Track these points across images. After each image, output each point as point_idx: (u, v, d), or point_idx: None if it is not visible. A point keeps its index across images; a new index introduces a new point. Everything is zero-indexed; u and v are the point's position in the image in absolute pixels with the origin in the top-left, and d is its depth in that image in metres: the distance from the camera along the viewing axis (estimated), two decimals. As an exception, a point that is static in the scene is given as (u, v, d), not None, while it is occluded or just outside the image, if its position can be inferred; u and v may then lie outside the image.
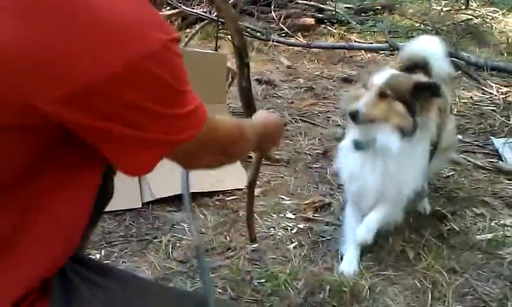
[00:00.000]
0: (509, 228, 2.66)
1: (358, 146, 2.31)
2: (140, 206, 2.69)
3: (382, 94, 2.20)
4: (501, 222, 2.72)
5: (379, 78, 2.26)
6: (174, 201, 2.72)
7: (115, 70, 0.83)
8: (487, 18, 6.82)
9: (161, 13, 5.84)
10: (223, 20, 5.29)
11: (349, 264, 2.33)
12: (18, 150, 0.90)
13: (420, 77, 2.41)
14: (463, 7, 7.18)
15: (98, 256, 2.35)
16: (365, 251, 2.40)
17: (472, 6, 7.28)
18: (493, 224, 2.69)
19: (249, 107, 2.79)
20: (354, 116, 2.19)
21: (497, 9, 7.14)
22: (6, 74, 0.82)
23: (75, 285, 1.05)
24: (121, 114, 0.88)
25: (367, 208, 2.39)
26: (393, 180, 2.30)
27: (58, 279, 1.03)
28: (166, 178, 2.81)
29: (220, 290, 2.15)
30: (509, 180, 3.14)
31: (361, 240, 2.33)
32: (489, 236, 2.58)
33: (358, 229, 2.35)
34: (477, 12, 7.03)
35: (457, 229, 2.63)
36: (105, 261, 2.29)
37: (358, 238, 2.33)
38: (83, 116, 0.86)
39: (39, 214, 0.96)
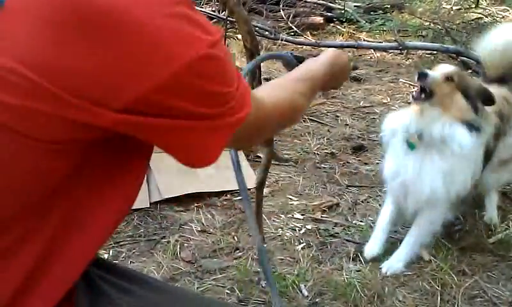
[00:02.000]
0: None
1: (410, 145, 2.26)
2: (148, 206, 2.69)
3: (448, 78, 2.20)
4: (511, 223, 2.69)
5: (448, 67, 2.29)
6: (182, 201, 2.72)
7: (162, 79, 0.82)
8: (497, 17, 6.77)
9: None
10: (231, 19, 5.30)
11: (371, 247, 2.38)
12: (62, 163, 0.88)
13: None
14: (473, 6, 7.11)
15: (106, 256, 2.35)
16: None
17: (482, 4, 7.22)
18: (503, 225, 2.67)
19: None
20: (422, 75, 2.16)
21: (508, 8, 7.08)
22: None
23: (100, 288, 1.05)
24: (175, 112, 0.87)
25: (409, 211, 2.36)
26: (444, 181, 2.23)
27: (82, 281, 1.02)
28: (174, 178, 2.82)
29: (228, 291, 2.14)
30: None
31: (389, 273, 2.29)
32: (500, 237, 2.55)
33: (386, 263, 2.32)
34: (487, 11, 6.97)
35: (467, 230, 2.61)
36: (114, 261, 2.29)
37: (384, 271, 2.29)
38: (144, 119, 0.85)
39: (81, 220, 0.93)
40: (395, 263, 2.31)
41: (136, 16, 0.80)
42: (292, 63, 1.53)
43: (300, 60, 1.47)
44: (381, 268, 2.31)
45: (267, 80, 4.54)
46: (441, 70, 2.24)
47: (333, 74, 1.33)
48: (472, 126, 2.18)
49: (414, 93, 2.23)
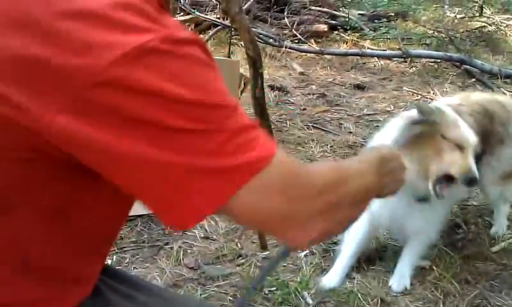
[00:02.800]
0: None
1: (423, 198, 2.14)
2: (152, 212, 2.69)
3: (461, 147, 2.02)
4: (515, 232, 2.70)
5: (469, 133, 2.06)
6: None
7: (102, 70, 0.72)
8: (501, 26, 6.78)
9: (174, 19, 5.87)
10: (235, 27, 5.32)
11: (330, 277, 2.27)
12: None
13: None
14: (477, 14, 7.13)
15: (109, 262, 2.35)
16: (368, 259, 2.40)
17: (485, 13, 7.24)
18: (506, 233, 2.67)
19: (262, 116, 2.78)
20: (474, 182, 2.03)
21: (511, 17, 7.10)
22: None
23: (102, 293, 1.06)
24: (135, 130, 0.74)
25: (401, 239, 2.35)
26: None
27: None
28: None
29: (230, 298, 2.15)
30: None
31: (400, 290, 2.25)
32: (503, 246, 2.55)
33: (392, 280, 2.28)
34: (491, 19, 6.98)
35: (470, 239, 2.61)
36: (117, 267, 2.29)
37: (395, 289, 2.25)
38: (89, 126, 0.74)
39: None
40: (402, 280, 2.28)
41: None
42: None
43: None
44: (385, 278, 2.30)
45: (271, 87, 4.57)
46: (470, 147, 2.03)
47: (386, 167, 1.05)
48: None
49: (439, 190, 2.02)
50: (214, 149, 0.76)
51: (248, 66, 4.82)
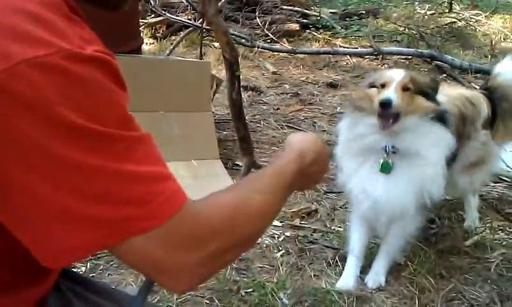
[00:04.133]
0: (496, 231, 2.68)
1: (385, 167, 2.14)
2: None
3: (405, 88, 2.11)
4: (487, 225, 2.73)
5: (397, 74, 2.16)
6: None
7: None
8: (470, 21, 6.88)
9: (145, 21, 5.83)
10: (208, 28, 5.30)
11: (346, 279, 2.28)
12: None
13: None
14: (447, 10, 7.23)
15: (83, 269, 2.32)
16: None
17: (455, 9, 7.34)
18: (479, 227, 2.70)
19: (239, 119, 2.78)
20: (386, 105, 2.03)
21: (480, 12, 7.21)
22: None
23: (70, 301, 1.05)
24: (16, 154, 0.68)
25: (382, 227, 2.30)
26: (417, 193, 2.18)
27: (53, 295, 1.02)
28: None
29: (207, 301, 2.13)
30: (495, 182, 3.16)
31: (375, 286, 2.26)
32: (476, 240, 2.58)
33: (368, 277, 2.29)
34: (460, 15, 7.08)
35: (444, 233, 2.64)
36: (91, 274, 2.26)
37: (370, 285, 2.26)
38: None
39: None
40: (377, 277, 2.29)
41: None
42: None
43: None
44: (362, 278, 2.31)
45: (244, 88, 4.56)
46: (395, 82, 2.11)
47: (305, 161, 1.06)
48: (441, 118, 2.14)
49: (381, 123, 2.08)
50: (101, 193, 0.71)
51: (220, 67, 4.84)
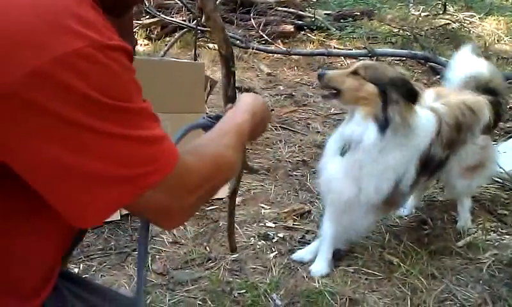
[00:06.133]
0: (489, 232, 2.69)
1: (341, 150, 2.26)
2: (119, 218, 2.67)
3: (355, 72, 2.20)
4: (480, 226, 2.74)
5: (360, 62, 2.30)
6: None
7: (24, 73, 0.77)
8: (464, 23, 6.90)
9: (140, 22, 5.82)
10: (202, 29, 5.31)
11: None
12: None
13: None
14: (441, 12, 7.25)
15: (76, 270, 2.32)
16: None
17: (449, 11, 7.36)
18: (472, 228, 2.71)
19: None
20: (319, 77, 2.24)
21: (474, 14, 7.23)
22: None
23: (67, 300, 1.06)
24: (52, 130, 0.78)
25: (340, 213, 2.35)
26: (363, 184, 2.22)
27: (52, 295, 1.02)
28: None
29: (200, 302, 2.13)
30: (488, 183, 3.17)
31: (319, 275, 2.31)
32: (468, 240, 2.59)
33: (313, 267, 2.35)
34: (454, 17, 7.10)
35: (436, 234, 2.65)
36: (84, 275, 2.26)
37: (314, 274, 2.32)
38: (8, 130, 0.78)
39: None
40: (320, 267, 2.34)
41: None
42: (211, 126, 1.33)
43: (218, 118, 1.32)
44: (353, 277, 2.33)
45: (239, 89, 4.56)
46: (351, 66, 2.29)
47: (255, 121, 1.23)
48: (377, 120, 2.14)
49: (322, 95, 2.32)
50: (124, 157, 0.83)
51: (214, 68, 4.84)
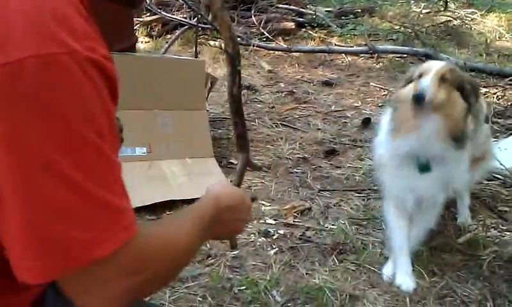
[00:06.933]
0: (489, 229, 2.69)
1: (425, 168, 2.14)
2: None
3: (443, 78, 2.02)
4: (480, 222, 2.74)
5: (437, 64, 2.11)
6: (154, 209, 2.70)
7: None
8: (466, 20, 6.88)
9: (141, 19, 5.82)
10: (203, 26, 5.31)
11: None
12: None
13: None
14: (442, 9, 7.23)
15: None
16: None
17: (450, 7, 7.34)
18: (472, 225, 2.71)
19: (237, 114, 2.79)
20: (419, 99, 1.96)
21: (476, 11, 7.21)
22: None
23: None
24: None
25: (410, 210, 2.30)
26: (454, 184, 2.23)
27: (51, 293, 1.02)
28: (145, 186, 2.81)
29: (200, 299, 2.14)
30: (488, 180, 3.17)
31: (409, 290, 2.23)
32: (469, 237, 2.59)
33: (398, 279, 2.26)
34: (455, 14, 7.08)
35: (437, 231, 2.64)
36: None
37: (404, 289, 2.23)
38: None
39: None
40: (405, 281, 2.26)
41: None
42: None
43: None
44: (353, 273, 2.32)
45: (247, 87, 4.56)
46: (433, 68, 2.05)
47: (220, 207, 1.08)
48: (459, 140, 2.08)
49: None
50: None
51: (215, 65, 4.85)
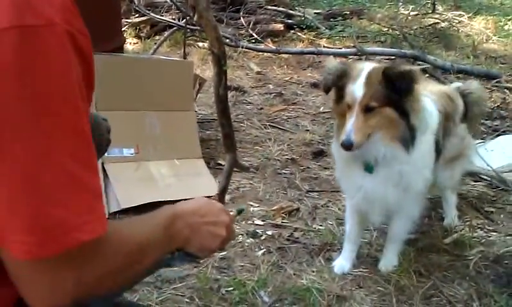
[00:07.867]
0: (475, 230, 2.71)
1: (369, 168, 2.17)
2: (107, 216, 2.65)
3: (367, 109, 2.04)
4: (467, 223, 2.75)
5: (358, 87, 2.05)
6: (141, 210, 2.69)
7: None
8: (453, 22, 6.93)
9: (129, 21, 5.81)
10: (191, 27, 5.30)
11: (343, 261, 2.37)
12: None
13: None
14: (430, 11, 7.27)
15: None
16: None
17: (438, 10, 7.39)
18: (459, 225, 2.73)
19: (224, 114, 2.80)
20: (348, 148, 2.02)
21: (463, 13, 7.26)
22: None
23: None
24: None
25: (376, 217, 2.34)
26: (411, 183, 2.22)
27: None
28: (133, 187, 2.80)
29: (187, 300, 2.13)
30: (475, 181, 3.19)
31: (389, 270, 2.34)
32: (455, 237, 2.61)
33: (381, 264, 2.37)
34: (443, 16, 7.13)
35: (423, 231, 2.66)
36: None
37: (384, 270, 2.34)
38: None
39: None
40: (389, 262, 2.36)
41: None
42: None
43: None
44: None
45: (228, 87, 4.55)
46: (355, 95, 2.04)
47: (185, 212, 1.12)
48: (404, 140, 2.09)
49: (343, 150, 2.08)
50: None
51: (203, 67, 4.84)
